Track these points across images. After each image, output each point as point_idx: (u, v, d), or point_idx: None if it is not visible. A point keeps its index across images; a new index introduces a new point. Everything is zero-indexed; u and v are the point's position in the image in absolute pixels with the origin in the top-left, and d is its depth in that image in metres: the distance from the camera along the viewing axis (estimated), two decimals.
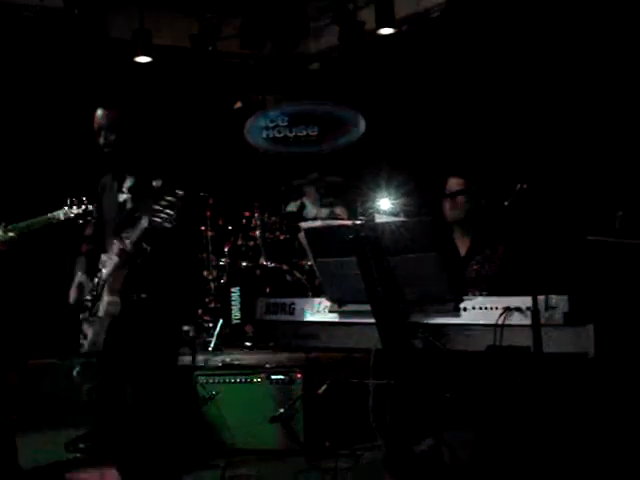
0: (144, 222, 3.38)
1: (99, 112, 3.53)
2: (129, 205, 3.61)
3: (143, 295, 3.35)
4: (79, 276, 3.74)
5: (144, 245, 3.44)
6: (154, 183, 3.48)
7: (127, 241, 3.44)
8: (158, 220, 3.26)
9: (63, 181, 3.78)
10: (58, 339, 6.03)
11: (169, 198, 3.26)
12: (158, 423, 3.35)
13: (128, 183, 3.65)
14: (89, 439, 5.10)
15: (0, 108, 6.59)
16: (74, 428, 5.34)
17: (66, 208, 3.87)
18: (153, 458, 3.32)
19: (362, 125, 8.11)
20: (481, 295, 3.01)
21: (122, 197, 3.63)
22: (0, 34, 6.77)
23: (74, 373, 5.19)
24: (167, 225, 3.25)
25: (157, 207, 3.26)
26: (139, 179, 3.62)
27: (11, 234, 3.95)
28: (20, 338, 5.86)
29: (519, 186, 2.96)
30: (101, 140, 3.54)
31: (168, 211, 3.25)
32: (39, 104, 6.88)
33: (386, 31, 7.48)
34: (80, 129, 3.76)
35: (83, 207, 3.65)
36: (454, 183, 3.91)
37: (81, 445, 5.06)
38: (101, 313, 3.47)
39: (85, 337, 3.56)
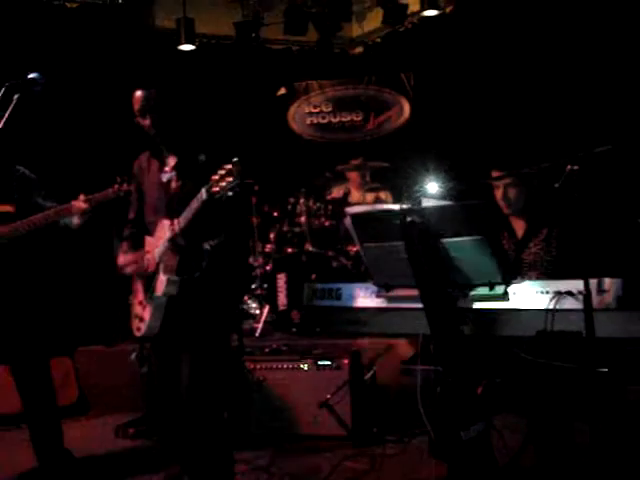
0: (202, 195, 3.20)
1: (138, 93, 3.46)
2: (174, 184, 3.53)
3: (196, 274, 3.29)
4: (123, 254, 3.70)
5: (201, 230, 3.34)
6: (200, 157, 3.44)
7: (180, 219, 3.34)
8: (218, 189, 3.11)
9: (110, 163, 3.79)
10: (106, 326, 6.15)
11: (227, 166, 3.12)
12: (214, 405, 3.33)
13: (171, 162, 3.56)
14: (138, 424, 5.17)
15: (49, 97, 6.67)
16: (123, 414, 5.45)
17: (116, 186, 3.89)
18: (208, 441, 3.31)
19: (407, 109, 8.05)
20: (539, 279, 2.95)
21: (165, 176, 3.56)
22: (46, 25, 6.86)
23: (132, 357, 5.21)
24: (229, 193, 3.11)
25: (216, 177, 3.12)
26: (183, 156, 3.53)
27: (85, 205, 4.00)
28: (69, 326, 5.98)
29: (569, 167, 2.89)
30: (141, 120, 3.47)
31: (228, 178, 3.10)
32: (85, 93, 6.97)
33: (430, 13, 7.40)
34: (125, 115, 3.71)
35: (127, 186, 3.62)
36: (497, 176, 3.83)
37: (130, 430, 5.13)
38: (159, 293, 3.40)
39: (141, 320, 3.52)
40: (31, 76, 2.94)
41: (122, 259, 3.68)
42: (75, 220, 4.07)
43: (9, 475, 4.35)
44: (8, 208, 4.06)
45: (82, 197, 4.01)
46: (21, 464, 4.33)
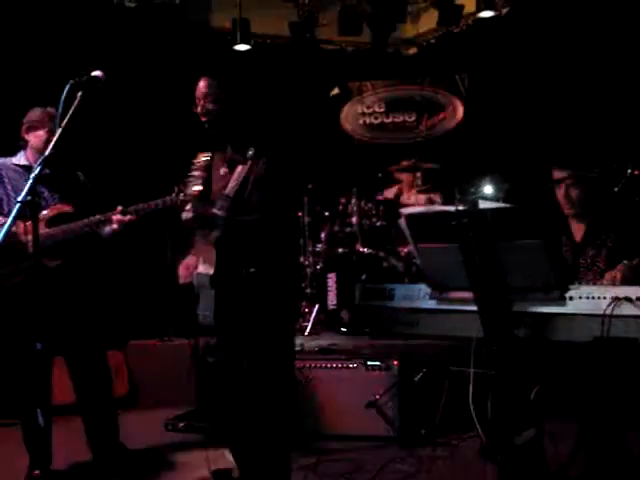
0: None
1: (202, 81, 3.47)
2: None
3: (252, 269, 3.32)
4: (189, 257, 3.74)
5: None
6: (249, 152, 3.43)
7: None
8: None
9: (170, 168, 3.82)
10: (158, 320, 6.23)
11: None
12: (275, 403, 3.35)
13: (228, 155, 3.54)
14: (189, 418, 5.23)
15: (106, 99, 6.77)
16: (174, 408, 5.51)
17: (174, 194, 3.94)
18: (267, 439, 3.33)
19: (460, 110, 8.00)
20: (595, 284, 2.91)
21: (222, 170, 3.54)
22: (104, 25, 6.96)
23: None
24: None
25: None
26: (235, 150, 3.50)
27: (129, 216, 4.07)
28: (122, 320, 6.07)
29: (629, 171, 2.86)
30: (199, 109, 3.47)
31: None
32: (142, 94, 7.05)
33: (486, 14, 7.35)
34: (182, 116, 3.74)
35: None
36: (558, 175, 3.79)
37: (181, 424, 5.19)
38: (195, 283, 3.45)
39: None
40: (94, 74, 2.98)
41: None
42: (107, 230, 4.14)
43: (66, 463, 4.46)
44: (67, 209, 4.17)
45: (119, 209, 4.06)
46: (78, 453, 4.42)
